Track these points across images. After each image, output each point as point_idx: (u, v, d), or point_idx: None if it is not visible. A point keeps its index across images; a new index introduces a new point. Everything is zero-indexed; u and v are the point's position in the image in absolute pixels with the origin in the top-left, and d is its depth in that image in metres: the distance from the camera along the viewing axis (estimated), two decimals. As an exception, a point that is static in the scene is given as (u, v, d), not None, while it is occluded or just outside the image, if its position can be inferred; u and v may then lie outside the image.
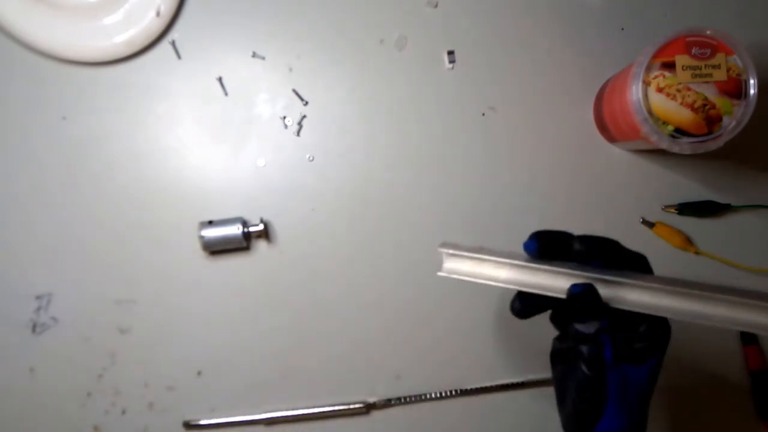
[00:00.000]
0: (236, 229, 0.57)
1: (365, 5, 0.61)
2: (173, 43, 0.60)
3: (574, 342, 0.39)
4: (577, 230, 0.39)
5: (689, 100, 0.48)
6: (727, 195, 0.61)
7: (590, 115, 0.61)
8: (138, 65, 0.60)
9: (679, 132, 0.48)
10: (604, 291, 0.36)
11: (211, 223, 0.58)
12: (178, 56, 0.60)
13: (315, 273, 0.60)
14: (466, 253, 0.38)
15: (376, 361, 0.60)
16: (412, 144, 0.61)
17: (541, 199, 0.61)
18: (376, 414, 0.60)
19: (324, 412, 0.59)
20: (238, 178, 0.60)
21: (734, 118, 0.48)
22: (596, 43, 0.61)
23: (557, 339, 0.42)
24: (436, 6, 0.61)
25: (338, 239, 0.60)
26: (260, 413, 0.59)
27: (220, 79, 0.61)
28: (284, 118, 0.61)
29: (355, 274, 0.60)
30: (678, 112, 0.49)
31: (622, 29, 0.61)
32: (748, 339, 0.60)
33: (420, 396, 0.59)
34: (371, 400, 0.60)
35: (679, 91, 0.48)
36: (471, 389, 0.60)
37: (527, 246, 0.38)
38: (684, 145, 0.49)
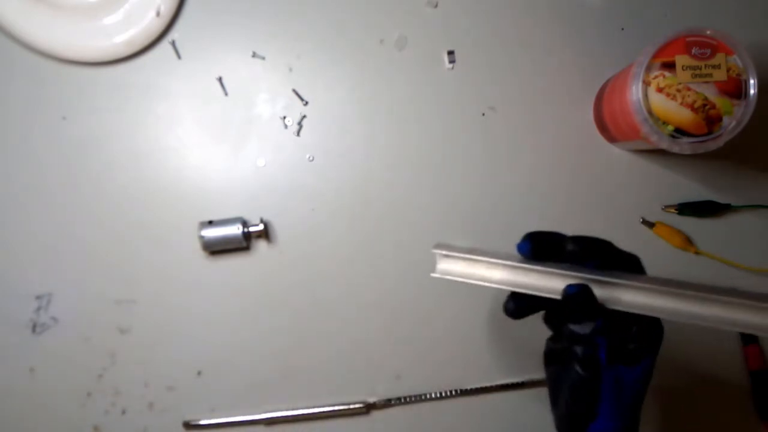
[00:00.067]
0: (236, 229, 0.57)
1: (365, 5, 0.61)
2: (173, 43, 0.60)
3: (568, 342, 0.39)
4: (577, 231, 0.39)
5: (689, 100, 0.48)
6: (727, 195, 0.61)
7: (590, 115, 0.61)
8: (138, 65, 0.60)
9: (679, 132, 0.48)
10: (598, 292, 0.36)
11: (211, 223, 0.58)
12: (178, 56, 0.60)
13: (315, 273, 0.60)
14: (459, 254, 0.38)
15: (376, 361, 0.60)
16: (412, 144, 0.61)
17: (541, 199, 0.61)
18: (376, 414, 0.60)
19: (324, 412, 0.59)
20: (238, 178, 0.60)
21: (734, 118, 0.48)
22: (596, 43, 0.61)
23: (550, 339, 0.42)
24: (436, 6, 0.61)
25: (338, 239, 0.60)
26: (260, 413, 0.59)
27: (220, 79, 0.61)
28: (284, 118, 0.61)
29: (355, 274, 0.60)
30: (678, 112, 0.49)
31: (622, 29, 0.61)
32: (748, 339, 0.60)
33: (420, 396, 0.59)
34: (371, 400, 0.60)
35: (679, 91, 0.48)
36: (471, 389, 0.60)
37: (520, 247, 0.38)
38: (684, 145, 0.49)
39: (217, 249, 0.59)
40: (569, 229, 0.39)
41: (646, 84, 0.49)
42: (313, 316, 0.60)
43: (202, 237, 0.57)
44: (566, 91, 0.61)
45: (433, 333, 0.60)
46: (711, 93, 0.48)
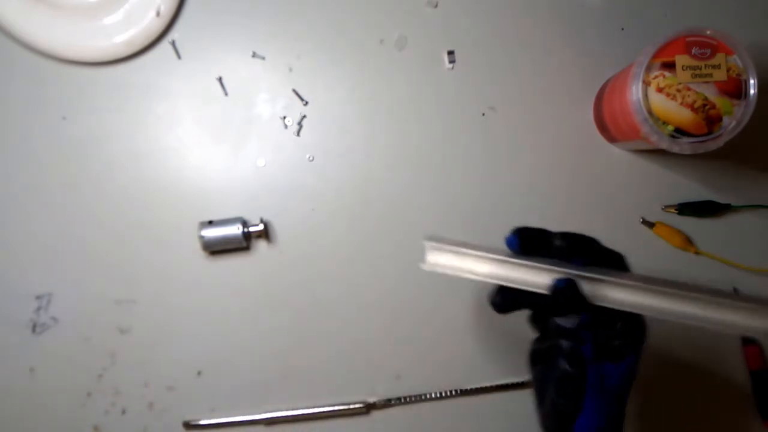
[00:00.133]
0: (236, 229, 0.57)
1: (365, 5, 0.61)
2: (173, 43, 0.60)
3: (555, 336, 0.39)
4: (577, 231, 0.39)
5: (689, 100, 0.48)
6: (727, 195, 0.61)
7: (590, 115, 0.61)
8: (138, 65, 0.60)
9: (679, 132, 0.48)
10: (584, 287, 0.37)
11: (211, 223, 0.58)
12: (178, 56, 0.60)
13: (315, 273, 0.60)
14: (448, 247, 0.39)
15: (376, 361, 0.60)
16: (412, 144, 0.61)
17: (541, 199, 0.61)
18: (376, 414, 0.60)
19: (324, 412, 0.59)
20: (238, 178, 0.60)
21: (734, 118, 0.48)
22: (596, 43, 0.61)
23: (536, 340, 0.43)
24: (436, 6, 0.61)
25: (338, 239, 0.60)
26: (260, 413, 0.59)
27: (220, 79, 0.61)
28: (284, 118, 0.61)
29: (355, 274, 0.60)
30: (678, 112, 0.49)
31: (622, 29, 0.61)
32: (749, 339, 0.60)
33: (420, 396, 0.59)
34: (371, 400, 0.60)
35: (679, 91, 0.48)
36: (471, 389, 0.60)
37: (509, 241, 0.38)
38: (684, 145, 0.49)
39: (217, 249, 0.59)
40: (569, 230, 0.39)
41: (646, 84, 0.49)
42: (313, 316, 0.60)
43: (202, 237, 0.57)
44: (566, 91, 0.61)
45: (433, 333, 0.60)
46: (711, 93, 0.49)
